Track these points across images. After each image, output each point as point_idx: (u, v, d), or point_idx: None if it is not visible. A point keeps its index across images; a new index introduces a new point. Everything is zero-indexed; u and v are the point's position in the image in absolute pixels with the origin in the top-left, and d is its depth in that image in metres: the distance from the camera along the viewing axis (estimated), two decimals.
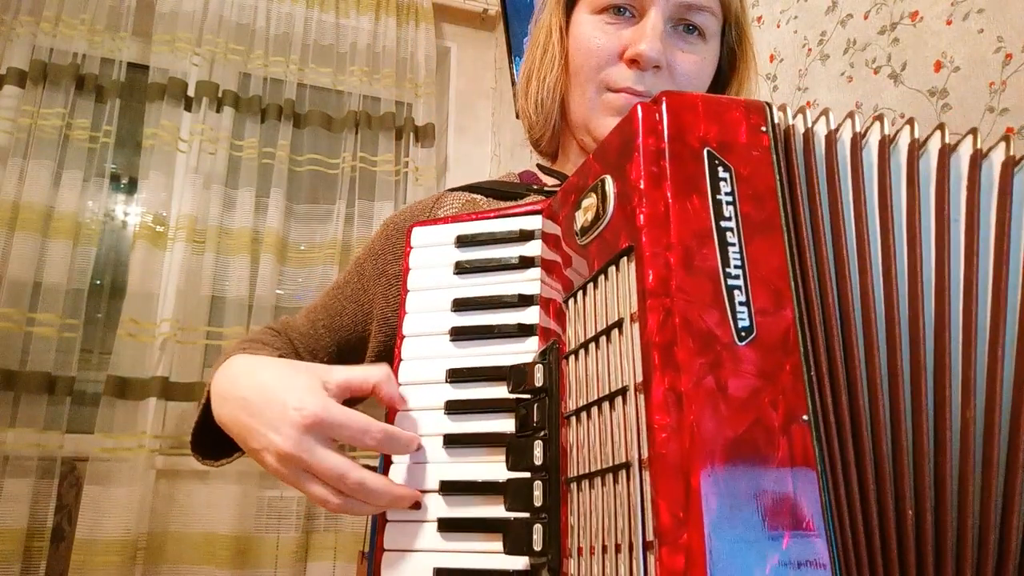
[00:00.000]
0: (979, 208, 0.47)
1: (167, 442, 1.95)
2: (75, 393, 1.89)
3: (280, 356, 0.70)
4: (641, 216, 0.43)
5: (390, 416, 0.56)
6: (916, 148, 0.48)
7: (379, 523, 0.53)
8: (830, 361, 0.43)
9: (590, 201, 0.49)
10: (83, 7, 2.10)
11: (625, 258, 0.44)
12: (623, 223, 0.45)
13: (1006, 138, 0.48)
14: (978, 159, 0.47)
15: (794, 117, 0.48)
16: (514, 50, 2.31)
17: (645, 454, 0.39)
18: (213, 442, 0.66)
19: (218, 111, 2.18)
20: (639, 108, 0.46)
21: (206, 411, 0.64)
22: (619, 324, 0.43)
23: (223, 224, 2.11)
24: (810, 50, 1.41)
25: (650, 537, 0.37)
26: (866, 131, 0.48)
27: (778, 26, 1.52)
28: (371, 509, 0.52)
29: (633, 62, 0.70)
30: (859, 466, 0.41)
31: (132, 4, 2.17)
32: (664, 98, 0.45)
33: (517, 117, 0.86)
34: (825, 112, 0.48)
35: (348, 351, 0.80)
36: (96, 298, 2.06)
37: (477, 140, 2.60)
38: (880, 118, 0.49)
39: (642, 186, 0.43)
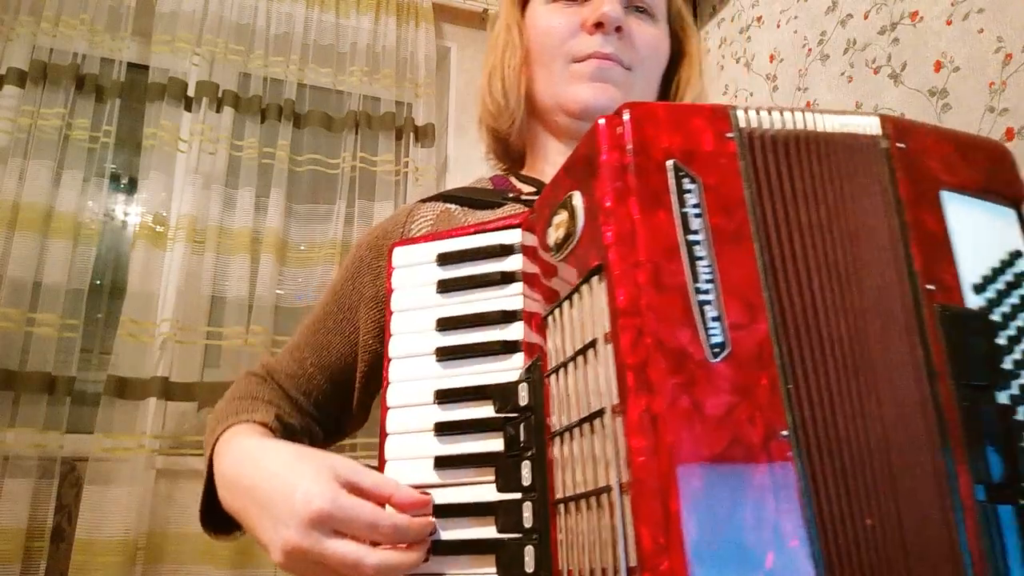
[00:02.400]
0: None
1: (167, 442, 1.95)
2: (75, 393, 1.89)
3: (276, 412, 0.69)
4: (608, 234, 0.42)
5: (381, 437, 0.56)
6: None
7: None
8: (804, 372, 0.42)
9: (561, 217, 0.49)
10: (83, 7, 2.10)
11: (596, 277, 0.43)
12: (592, 241, 0.44)
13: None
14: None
15: (760, 119, 0.47)
16: None
17: (625, 478, 0.38)
18: (221, 516, 0.63)
19: (218, 111, 2.18)
20: (602, 122, 0.45)
21: (209, 485, 0.63)
22: (593, 344, 0.43)
23: (223, 224, 2.11)
24: (810, 50, 1.41)
25: (632, 563, 0.37)
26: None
27: (778, 26, 1.52)
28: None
29: (597, 26, 0.72)
30: (842, 478, 0.41)
31: (132, 4, 2.17)
32: (626, 110, 0.44)
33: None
34: (790, 110, 0.47)
35: (342, 383, 0.78)
36: (96, 298, 2.06)
37: (477, 140, 2.59)
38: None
39: (608, 204, 0.43)
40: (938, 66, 1.13)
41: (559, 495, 0.45)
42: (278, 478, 0.52)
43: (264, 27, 2.30)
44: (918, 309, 0.45)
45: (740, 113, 0.46)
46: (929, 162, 0.49)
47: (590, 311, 0.44)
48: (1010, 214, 0.51)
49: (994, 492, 0.43)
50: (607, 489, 0.40)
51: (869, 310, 0.45)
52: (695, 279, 0.40)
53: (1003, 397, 0.46)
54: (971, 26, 1.08)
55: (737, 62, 1.66)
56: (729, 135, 0.44)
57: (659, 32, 0.78)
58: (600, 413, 0.41)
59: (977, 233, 0.49)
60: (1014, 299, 0.48)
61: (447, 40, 2.63)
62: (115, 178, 2.20)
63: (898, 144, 0.49)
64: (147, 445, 1.88)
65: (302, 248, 2.23)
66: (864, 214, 0.47)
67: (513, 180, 0.82)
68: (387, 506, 0.51)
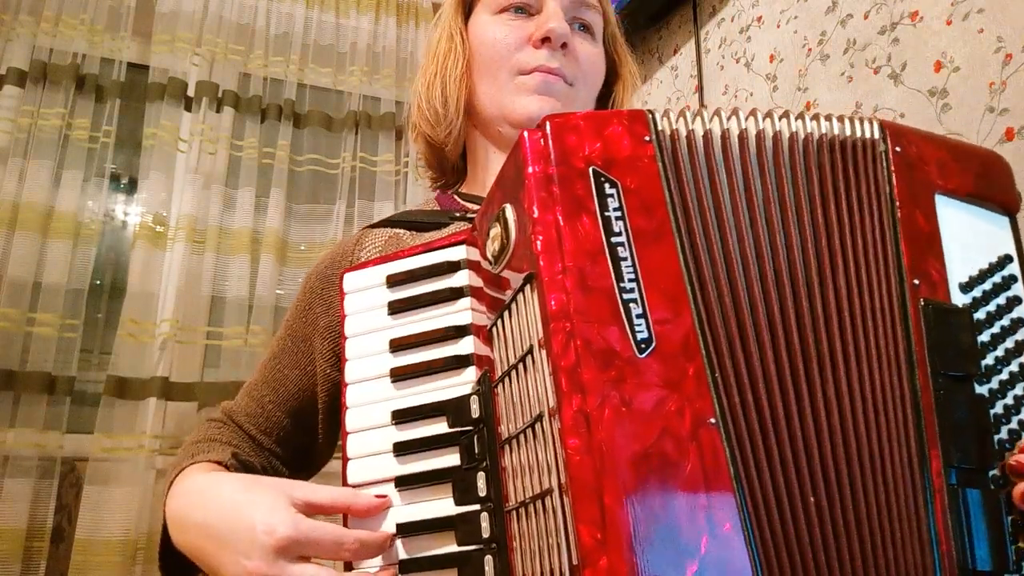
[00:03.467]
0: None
1: (167, 442, 1.95)
2: (75, 393, 1.89)
3: (233, 451, 0.68)
4: (538, 243, 0.43)
5: (343, 463, 0.56)
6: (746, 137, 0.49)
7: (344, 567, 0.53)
8: (733, 361, 0.43)
9: (496, 230, 0.50)
10: (83, 7, 2.10)
11: (528, 286, 0.44)
12: (524, 250, 0.46)
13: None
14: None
15: (677, 121, 0.48)
16: None
17: (563, 479, 0.39)
18: (179, 563, 0.61)
19: (218, 111, 2.18)
20: (526, 135, 0.46)
21: (165, 534, 0.61)
22: (531, 351, 0.44)
23: (223, 224, 2.11)
24: (810, 50, 1.41)
25: (575, 561, 0.38)
26: (727, 126, 0.49)
27: (778, 26, 1.52)
28: None
29: (544, 40, 0.74)
30: (769, 462, 0.42)
31: (132, 4, 2.17)
32: (547, 122, 0.46)
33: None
34: (710, 110, 0.49)
35: (303, 418, 0.77)
36: (96, 298, 2.06)
37: None
38: (754, 112, 0.50)
39: (535, 214, 0.44)
40: (938, 66, 1.13)
41: (511, 503, 0.46)
42: (233, 511, 0.52)
43: (264, 27, 2.30)
44: (903, 302, 0.47)
45: (658, 116, 0.47)
46: (925, 166, 0.51)
47: (527, 319, 0.45)
48: (1003, 220, 0.53)
49: (964, 477, 0.45)
50: (549, 491, 0.41)
51: (843, 299, 0.46)
52: (619, 279, 0.42)
53: (982, 390, 0.48)
54: (971, 26, 1.08)
55: (737, 62, 1.66)
56: (647, 138, 0.46)
57: (598, 51, 0.81)
58: (540, 418, 0.42)
59: (967, 235, 0.50)
60: (1000, 300, 0.51)
61: None
62: (115, 178, 2.20)
63: (896, 148, 0.51)
64: (147, 445, 1.88)
65: (302, 248, 2.23)
66: (846, 211, 0.49)
67: (457, 199, 0.83)
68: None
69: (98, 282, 2.08)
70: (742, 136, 0.49)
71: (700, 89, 1.79)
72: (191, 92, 2.19)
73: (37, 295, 1.88)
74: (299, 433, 0.77)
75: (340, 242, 0.82)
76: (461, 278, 0.57)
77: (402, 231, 0.78)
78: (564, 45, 0.74)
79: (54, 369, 1.86)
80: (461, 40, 0.79)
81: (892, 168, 0.50)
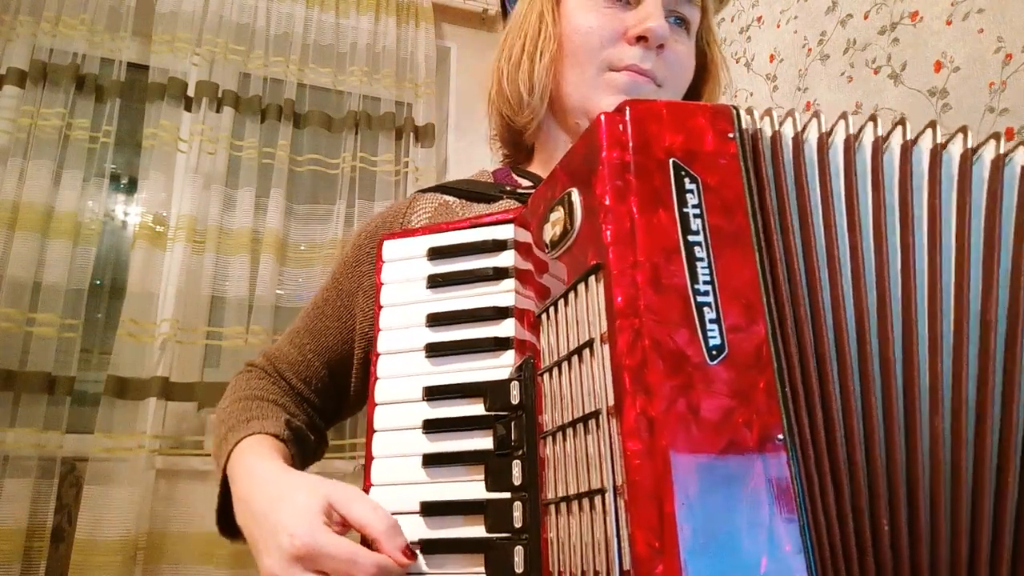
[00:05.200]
0: (941, 206, 0.45)
1: (167, 442, 1.95)
2: (75, 393, 1.89)
3: (286, 418, 0.69)
4: (608, 233, 0.42)
5: (368, 435, 0.55)
6: (880, 145, 0.46)
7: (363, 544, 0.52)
8: (804, 377, 0.41)
9: (558, 215, 0.48)
10: (83, 7, 2.09)
11: (593, 276, 0.43)
12: (590, 239, 0.44)
13: (963, 129, 0.47)
14: (938, 153, 0.46)
15: (761, 120, 0.46)
16: None
17: (619, 480, 0.38)
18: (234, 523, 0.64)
19: (218, 111, 2.18)
20: (603, 118, 0.44)
21: (224, 492, 0.63)
22: (590, 344, 0.42)
23: (223, 224, 2.11)
24: (810, 50, 1.41)
25: (627, 567, 0.36)
26: (832, 130, 0.47)
27: (778, 26, 1.52)
28: None
29: (639, 39, 0.70)
30: (835, 482, 0.40)
31: (132, 4, 2.16)
32: (628, 107, 0.44)
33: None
34: (791, 113, 0.47)
35: (339, 370, 0.78)
36: (96, 298, 2.06)
37: (477, 140, 2.59)
38: (844, 116, 0.47)
39: (607, 202, 0.42)
40: (938, 66, 1.13)
41: (550, 495, 0.45)
42: (273, 506, 0.52)
43: (264, 27, 2.30)
44: (983, 327, 0.43)
45: (742, 113, 0.45)
46: None
47: (586, 310, 0.43)
48: None
49: None
50: (601, 491, 0.39)
51: (909, 318, 0.43)
52: (694, 280, 0.40)
53: None
54: (971, 26, 1.08)
55: (737, 62, 1.66)
56: (731, 135, 0.44)
57: (691, 49, 0.76)
58: (595, 414, 0.41)
59: None
60: None
61: (447, 40, 2.63)
62: (115, 178, 2.19)
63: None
64: (147, 445, 1.88)
65: (302, 248, 2.23)
66: (939, 231, 0.45)
67: (513, 175, 0.81)
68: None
69: (98, 282, 2.08)
70: (821, 140, 0.46)
71: None
72: (191, 92, 2.18)
73: (37, 295, 1.87)
74: (334, 385, 0.78)
75: (392, 204, 0.81)
76: (507, 258, 0.55)
77: (452, 199, 0.76)
78: (660, 46, 0.71)
79: (54, 369, 1.86)
80: (553, 21, 0.75)
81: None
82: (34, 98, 1.99)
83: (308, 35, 2.36)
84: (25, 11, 2.05)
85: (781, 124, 0.46)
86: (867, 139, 0.47)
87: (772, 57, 1.56)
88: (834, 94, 1.36)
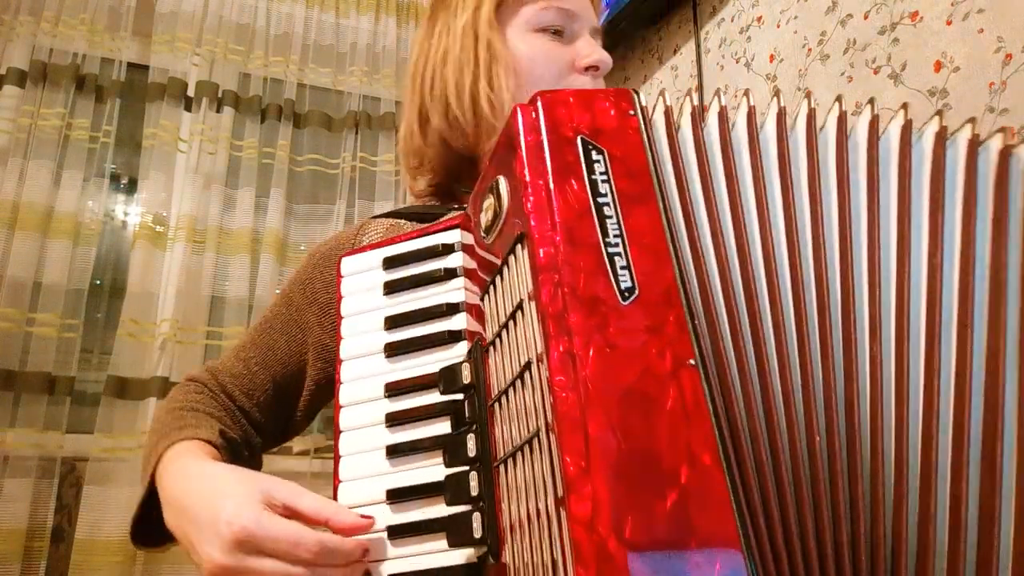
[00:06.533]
0: (845, 154, 0.51)
1: None
2: (75, 393, 1.89)
3: (220, 428, 0.69)
4: (528, 204, 0.46)
5: (335, 435, 0.57)
6: (783, 118, 0.53)
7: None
8: (713, 309, 0.46)
9: (489, 202, 0.53)
10: (83, 7, 2.10)
11: (519, 244, 0.47)
12: (515, 214, 0.48)
13: (871, 101, 0.54)
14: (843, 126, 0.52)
15: (658, 99, 0.53)
16: None
17: (551, 417, 0.41)
18: (153, 531, 0.64)
19: (218, 111, 2.18)
20: (518, 110, 0.49)
21: (147, 500, 0.63)
22: (521, 305, 0.46)
23: (223, 224, 2.11)
24: (810, 50, 1.41)
25: (560, 492, 0.39)
26: (724, 106, 0.53)
27: (778, 26, 1.52)
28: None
29: (590, 68, 0.79)
30: (746, 400, 0.44)
31: (132, 4, 2.16)
32: (539, 97, 0.49)
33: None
34: (688, 94, 0.54)
35: (285, 386, 0.78)
36: (96, 298, 2.06)
37: None
38: (747, 93, 0.53)
39: (527, 178, 0.47)
40: (938, 66, 1.13)
41: (500, 456, 0.48)
42: (210, 499, 0.53)
43: (264, 27, 2.30)
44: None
45: (642, 95, 0.51)
46: None
47: (518, 277, 0.47)
48: None
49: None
50: (536, 433, 0.43)
51: (819, 245, 0.48)
52: (604, 235, 0.45)
53: None
54: (971, 26, 1.08)
55: (737, 62, 1.66)
56: (631, 112, 0.49)
57: None
58: (528, 365, 0.45)
59: None
60: None
61: None
62: (115, 178, 2.20)
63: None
64: None
65: (302, 248, 2.23)
66: (818, 180, 0.51)
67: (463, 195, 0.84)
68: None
69: (98, 282, 2.08)
70: (722, 112, 0.52)
71: (700, 89, 1.79)
72: (191, 92, 2.19)
73: (37, 295, 1.88)
74: (279, 401, 0.78)
75: (344, 229, 0.83)
76: (455, 259, 0.60)
77: (403, 222, 0.80)
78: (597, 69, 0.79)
79: (54, 369, 1.86)
80: (503, 45, 0.78)
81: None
82: (34, 98, 2.00)
83: (308, 35, 2.36)
84: (25, 11, 2.05)
85: (681, 104, 0.53)
86: (771, 115, 0.53)
87: (772, 57, 1.56)
88: (834, 94, 1.36)
